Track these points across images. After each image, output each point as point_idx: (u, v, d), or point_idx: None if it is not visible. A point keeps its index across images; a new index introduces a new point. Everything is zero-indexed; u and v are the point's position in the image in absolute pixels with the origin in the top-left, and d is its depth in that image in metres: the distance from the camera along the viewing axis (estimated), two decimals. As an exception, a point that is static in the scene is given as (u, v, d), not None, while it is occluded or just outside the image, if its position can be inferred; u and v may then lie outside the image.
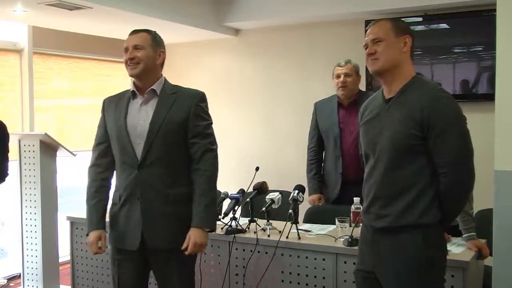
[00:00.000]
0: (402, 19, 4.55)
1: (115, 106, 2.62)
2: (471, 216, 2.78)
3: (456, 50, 4.59)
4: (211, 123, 2.63)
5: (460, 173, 2.09)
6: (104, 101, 2.71)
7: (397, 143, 2.09)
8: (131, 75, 2.56)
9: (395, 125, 2.10)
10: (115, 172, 2.65)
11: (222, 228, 3.22)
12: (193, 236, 2.47)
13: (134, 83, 2.60)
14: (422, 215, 2.08)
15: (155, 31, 2.62)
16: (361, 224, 2.39)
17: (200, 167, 2.53)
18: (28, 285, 4.14)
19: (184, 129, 2.53)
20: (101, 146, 2.65)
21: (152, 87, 2.56)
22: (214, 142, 2.60)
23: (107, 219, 2.63)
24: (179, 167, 2.56)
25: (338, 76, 3.57)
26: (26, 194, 4.12)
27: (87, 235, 2.60)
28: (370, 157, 2.22)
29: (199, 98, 2.60)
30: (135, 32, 2.58)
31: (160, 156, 2.50)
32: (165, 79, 2.64)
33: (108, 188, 2.66)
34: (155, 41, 2.57)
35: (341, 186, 3.61)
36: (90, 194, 2.62)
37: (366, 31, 2.25)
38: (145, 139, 2.50)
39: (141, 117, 2.55)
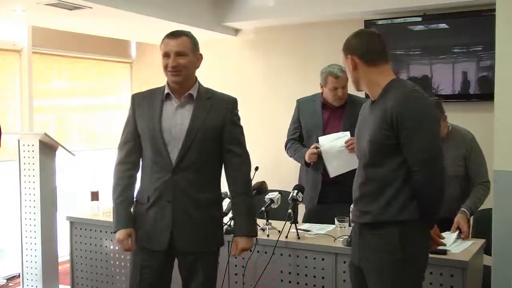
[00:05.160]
0: (402, 19, 4.67)
1: (148, 104, 2.56)
2: (479, 201, 3.00)
3: (455, 50, 4.59)
4: (243, 129, 2.65)
5: (429, 171, 2.13)
6: (134, 97, 2.62)
7: (372, 143, 2.19)
8: (172, 82, 2.51)
9: (372, 126, 2.20)
10: (140, 170, 2.62)
11: (221, 228, 3.22)
12: (240, 243, 2.56)
13: (169, 85, 2.54)
14: (400, 212, 2.15)
15: (191, 33, 2.54)
16: None
17: (236, 175, 2.56)
18: (28, 285, 4.14)
19: (220, 135, 2.54)
20: (129, 144, 2.59)
21: (189, 92, 2.52)
22: (246, 148, 2.63)
23: None
24: (211, 173, 2.56)
25: (335, 89, 3.50)
26: (25, 194, 4.10)
27: (114, 232, 2.56)
28: (358, 157, 2.34)
29: (234, 105, 2.62)
30: (175, 36, 2.48)
31: (195, 161, 2.49)
32: (199, 82, 2.59)
33: (134, 186, 2.62)
34: (195, 45, 2.51)
35: (322, 185, 3.54)
36: (118, 192, 2.57)
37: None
38: (182, 144, 2.47)
39: (177, 120, 2.51)
